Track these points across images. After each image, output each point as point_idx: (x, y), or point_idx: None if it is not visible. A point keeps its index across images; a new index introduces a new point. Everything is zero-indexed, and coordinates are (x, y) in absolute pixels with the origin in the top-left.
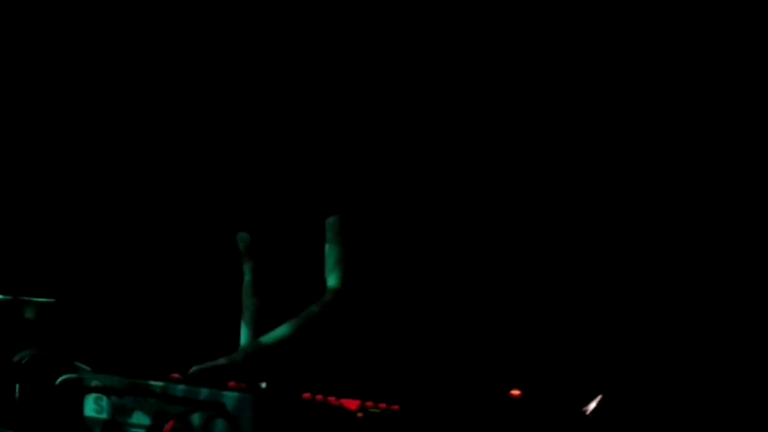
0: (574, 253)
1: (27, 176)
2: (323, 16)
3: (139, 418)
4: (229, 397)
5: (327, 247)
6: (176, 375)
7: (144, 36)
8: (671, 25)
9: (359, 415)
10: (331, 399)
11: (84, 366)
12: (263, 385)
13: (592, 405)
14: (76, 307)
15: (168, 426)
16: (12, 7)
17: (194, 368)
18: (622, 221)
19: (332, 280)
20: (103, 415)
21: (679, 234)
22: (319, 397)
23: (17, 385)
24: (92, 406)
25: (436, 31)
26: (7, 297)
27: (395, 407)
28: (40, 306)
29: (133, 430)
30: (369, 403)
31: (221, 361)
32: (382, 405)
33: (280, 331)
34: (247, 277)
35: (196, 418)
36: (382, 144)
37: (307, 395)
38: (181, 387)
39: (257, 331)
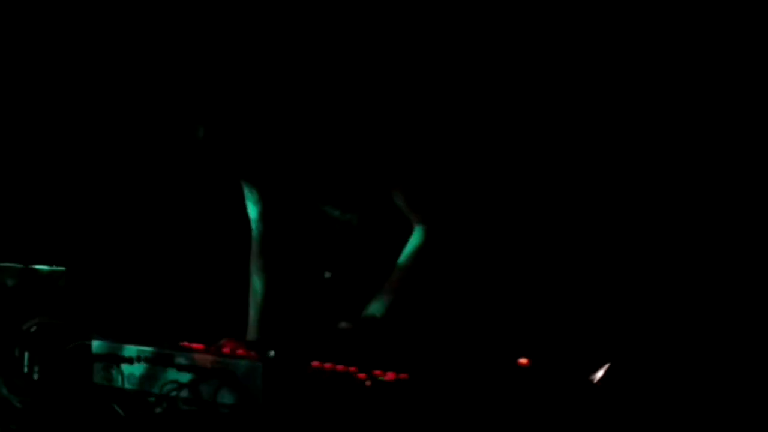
0: (584, 224)
1: (35, 144)
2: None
3: (148, 386)
4: (239, 366)
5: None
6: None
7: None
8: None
9: (368, 383)
10: (340, 367)
11: (93, 334)
12: (272, 353)
13: (600, 374)
14: (86, 274)
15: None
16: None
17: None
18: (633, 191)
19: (416, 219)
20: (112, 383)
21: (685, 209)
22: (328, 365)
23: (26, 354)
24: (101, 374)
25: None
26: (17, 265)
27: (404, 376)
28: (49, 274)
29: (142, 398)
30: (377, 372)
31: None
32: (391, 374)
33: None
34: (256, 244)
35: (205, 387)
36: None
37: (316, 364)
38: (190, 355)
39: (266, 297)
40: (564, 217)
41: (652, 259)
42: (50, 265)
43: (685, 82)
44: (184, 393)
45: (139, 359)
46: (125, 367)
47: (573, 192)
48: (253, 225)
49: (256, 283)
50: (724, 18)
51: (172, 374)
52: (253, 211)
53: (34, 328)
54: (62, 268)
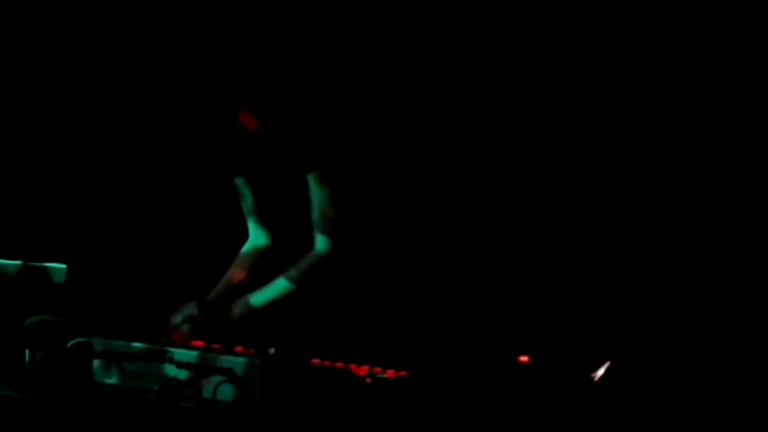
0: (583, 218)
1: (36, 143)
2: None
3: (148, 383)
4: (238, 363)
5: (314, 201)
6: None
7: None
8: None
9: (368, 381)
10: (339, 365)
11: (93, 331)
12: (272, 350)
13: (600, 371)
14: (87, 272)
15: None
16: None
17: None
18: (638, 184)
19: (322, 234)
20: (112, 381)
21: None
22: (328, 363)
23: (27, 351)
24: (101, 372)
25: None
26: (18, 262)
27: (403, 373)
28: (50, 271)
29: (142, 395)
30: (377, 369)
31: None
32: (391, 371)
33: (275, 289)
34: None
35: (205, 384)
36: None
37: (315, 361)
38: (190, 352)
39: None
40: (565, 216)
41: (651, 258)
42: (51, 262)
43: (682, 83)
44: (184, 390)
45: (139, 356)
46: (125, 364)
47: (576, 191)
48: (247, 217)
49: (239, 264)
50: (723, 18)
51: (172, 371)
52: (246, 202)
53: (35, 325)
54: (63, 265)
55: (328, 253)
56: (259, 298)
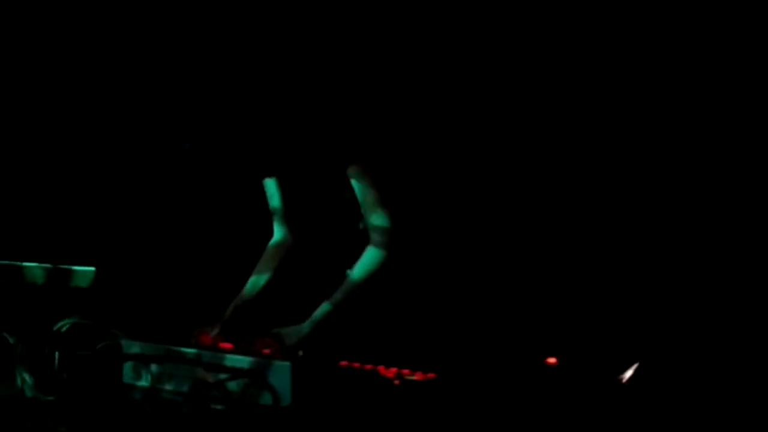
0: (609, 220)
1: (66, 148)
2: None
3: (177, 386)
4: (268, 365)
5: (360, 199)
6: (227, 345)
7: None
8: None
9: (396, 382)
10: (368, 366)
11: (122, 334)
12: (300, 352)
13: (629, 373)
14: (116, 275)
15: None
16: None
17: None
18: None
19: (375, 232)
20: (142, 383)
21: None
22: (356, 364)
23: (56, 353)
24: (130, 374)
25: None
26: (47, 265)
27: (432, 375)
28: (79, 274)
29: (171, 397)
30: (405, 371)
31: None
32: (419, 373)
33: (349, 284)
34: (277, 236)
35: (233, 386)
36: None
37: (344, 363)
38: (219, 355)
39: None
40: (594, 219)
41: (680, 260)
42: (80, 265)
43: (683, 83)
44: (212, 392)
45: (167, 358)
46: (154, 367)
47: (607, 197)
48: (274, 216)
49: (264, 266)
50: (724, 18)
51: (202, 373)
52: (273, 201)
53: (64, 329)
54: (92, 268)
55: (384, 249)
56: (328, 308)
